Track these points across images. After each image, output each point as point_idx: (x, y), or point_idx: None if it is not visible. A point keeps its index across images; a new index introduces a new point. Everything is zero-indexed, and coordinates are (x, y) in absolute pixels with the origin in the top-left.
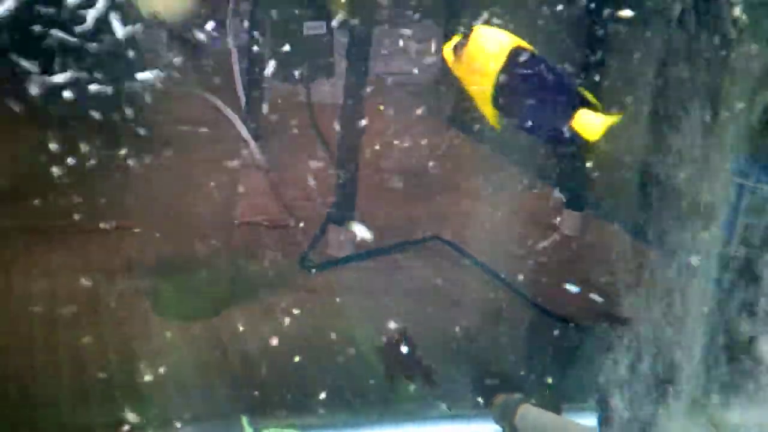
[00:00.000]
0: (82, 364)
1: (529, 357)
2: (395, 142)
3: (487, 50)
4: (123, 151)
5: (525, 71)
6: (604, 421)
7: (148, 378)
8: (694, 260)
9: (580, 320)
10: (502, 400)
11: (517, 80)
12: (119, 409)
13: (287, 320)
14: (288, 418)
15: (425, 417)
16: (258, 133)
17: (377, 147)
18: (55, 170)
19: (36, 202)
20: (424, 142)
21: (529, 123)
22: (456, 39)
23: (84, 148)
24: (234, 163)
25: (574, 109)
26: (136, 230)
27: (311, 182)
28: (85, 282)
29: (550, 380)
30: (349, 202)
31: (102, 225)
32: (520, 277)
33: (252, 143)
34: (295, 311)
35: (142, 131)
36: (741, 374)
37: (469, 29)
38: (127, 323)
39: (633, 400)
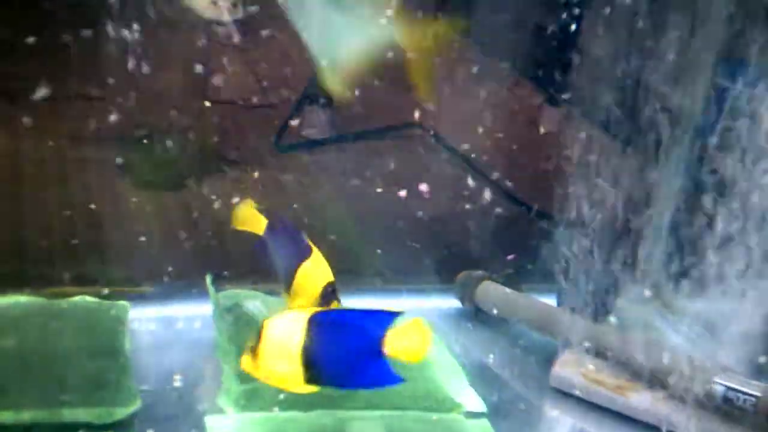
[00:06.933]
0: (47, 223)
1: (495, 241)
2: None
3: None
4: (93, 21)
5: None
6: (563, 301)
7: (115, 240)
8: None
9: (549, 210)
10: (464, 276)
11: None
12: (84, 266)
13: (257, 195)
14: (253, 284)
15: (391, 291)
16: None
17: None
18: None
19: (5, 66)
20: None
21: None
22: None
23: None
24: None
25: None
26: (105, 99)
27: (289, 61)
28: (51, 146)
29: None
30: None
31: (70, 93)
32: (494, 167)
33: (227, 18)
34: (267, 187)
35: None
36: (691, 266)
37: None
38: (95, 188)
39: (592, 286)
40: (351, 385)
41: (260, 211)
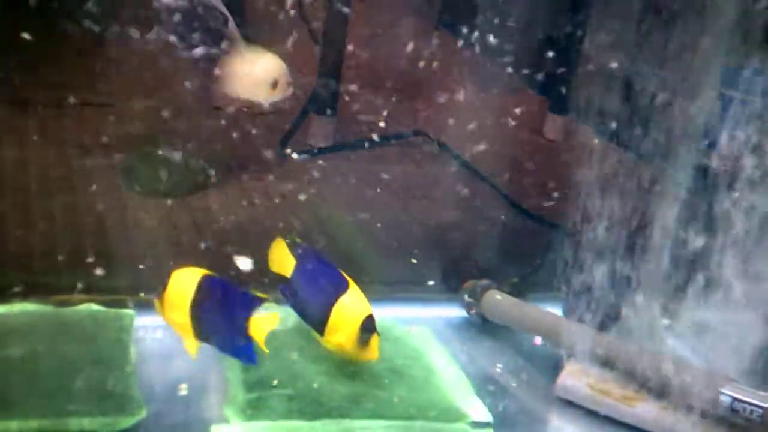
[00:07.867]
0: (54, 231)
1: (501, 250)
2: (381, 36)
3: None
4: (100, 28)
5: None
6: (569, 311)
7: (121, 248)
8: None
9: (555, 219)
10: (470, 285)
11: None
12: (90, 274)
13: (262, 203)
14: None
15: (396, 299)
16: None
17: (362, 39)
18: (34, 44)
19: (15, 75)
20: (411, 39)
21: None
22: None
23: (63, 25)
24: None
25: (248, 318)
26: (111, 107)
27: (293, 69)
28: (57, 154)
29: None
30: (332, 92)
31: (77, 100)
32: (500, 175)
33: (231, 21)
34: (271, 195)
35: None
36: (697, 276)
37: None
38: (101, 197)
39: (598, 295)
40: (223, 351)
41: (293, 247)
